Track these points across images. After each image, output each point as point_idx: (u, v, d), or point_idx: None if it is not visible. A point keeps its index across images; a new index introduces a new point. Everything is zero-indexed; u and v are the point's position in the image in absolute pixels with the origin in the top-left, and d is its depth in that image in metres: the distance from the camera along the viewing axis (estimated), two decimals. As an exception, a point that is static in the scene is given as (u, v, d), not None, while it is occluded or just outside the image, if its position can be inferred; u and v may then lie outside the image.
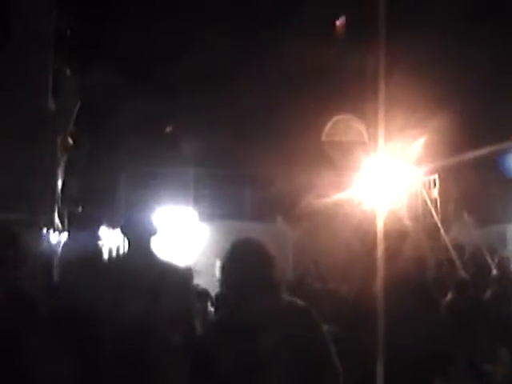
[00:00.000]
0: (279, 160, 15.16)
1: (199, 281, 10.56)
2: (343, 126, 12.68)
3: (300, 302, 3.72)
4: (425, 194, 14.97)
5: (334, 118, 12.61)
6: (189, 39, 14.42)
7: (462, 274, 8.99)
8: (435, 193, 15.29)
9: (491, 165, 14.92)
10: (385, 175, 11.87)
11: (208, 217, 16.94)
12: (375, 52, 5.18)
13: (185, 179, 16.96)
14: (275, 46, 13.58)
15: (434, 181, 15.51)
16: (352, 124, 12.77)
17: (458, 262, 9.69)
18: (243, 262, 3.61)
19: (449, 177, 15.92)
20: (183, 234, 16.62)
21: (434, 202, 15.14)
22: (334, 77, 13.01)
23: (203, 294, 11.61)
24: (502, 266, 8.64)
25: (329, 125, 12.83)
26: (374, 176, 12.16)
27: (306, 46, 12.88)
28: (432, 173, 15.43)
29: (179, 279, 4.75)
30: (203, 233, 16.90)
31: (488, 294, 8.19)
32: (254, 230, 12.95)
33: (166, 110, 15.52)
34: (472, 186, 15.50)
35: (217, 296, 10.75)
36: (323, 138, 12.88)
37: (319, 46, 12.97)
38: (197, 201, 17.10)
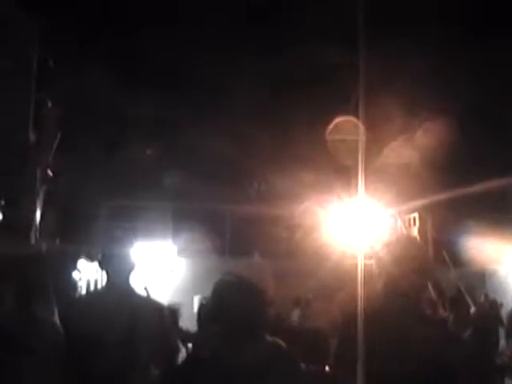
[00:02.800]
0: (260, 196, 15.17)
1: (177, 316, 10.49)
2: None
3: (282, 344, 3.67)
4: (405, 231, 15.02)
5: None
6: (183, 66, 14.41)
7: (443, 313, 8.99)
8: (415, 231, 15.35)
9: (469, 204, 15.01)
10: (365, 213, 11.85)
11: (186, 252, 16.87)
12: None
13: (164, 214, 16.90)
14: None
15: (414, 219, 15.58)
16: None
17: (438, 302, 9.68)
18: (232, 300, 3.54)
19: (427, 216, 15.99)
20: (161, 268, 16.53)
21: (415, 240, 15.16)
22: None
23: (180, 330, 11.49)
24: (484, 306, 8.67)
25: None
26: (353, 215, 12.19)
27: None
28: (411, 211, 15.50)
29: (157, 313, 4.71)
30: (181, 268, 16.81)
31: (468, 333, 8.18)
32: (233, 264, 12.90)
33: (146, 144, 15.49)
34: (449, 226, 15.57)
35: (197, 332, 10.64)
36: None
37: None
38: (175, 235, 17.03)
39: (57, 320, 4.32)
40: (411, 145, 13.67)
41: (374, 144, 13.32)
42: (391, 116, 12.62)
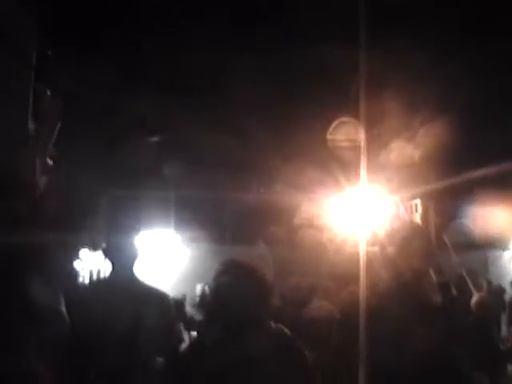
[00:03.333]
0: (262, 183, 15.16)
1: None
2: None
3: (286, 332, 3.66)
4: (407, 218, 15.00)
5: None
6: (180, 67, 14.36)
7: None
8: (417, 217, 15.34)
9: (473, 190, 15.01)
10: (367, 200, 11.87)
11: (189, 240, 16.88)
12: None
13: (166, 202, 16.91)
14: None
15: (416, 205, 15.56)
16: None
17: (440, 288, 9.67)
18: (235, 286, 3.53)
19: (429, 202, 15.99)
20: (164, 257, 16.55)
21: (417, 225, 15.17)
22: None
23: (184, 318, 11.52)
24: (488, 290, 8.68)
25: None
26: (355, 201, 12.18)
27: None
28: (413, 197, 15.48)
29: (162, 302, 4.72)
30: (184, 256, 16.83)
31: (470, 319, 8.18)
32: (235, 253, 12.89)
33: (149, 132, 15.45)
34: (452, 211, 15.58)
35: (200, 320, 10.67)
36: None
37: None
38: (178, 224, 17.05)
39: (63, 308, 4.32)
40: (413, 142, 13.66)
41: (376, 141, 13.33)
42: (392, 113, 12.59)
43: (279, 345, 3.59)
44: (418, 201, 15.50)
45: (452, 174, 13.79)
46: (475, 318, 8.08)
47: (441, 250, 14.96)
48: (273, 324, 3.67)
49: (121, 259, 4.69)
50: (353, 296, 5.02)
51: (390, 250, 5.17)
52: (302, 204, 14.70)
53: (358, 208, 11.95)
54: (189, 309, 12.56)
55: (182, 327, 10.84)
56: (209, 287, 3.72)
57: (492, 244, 16.23)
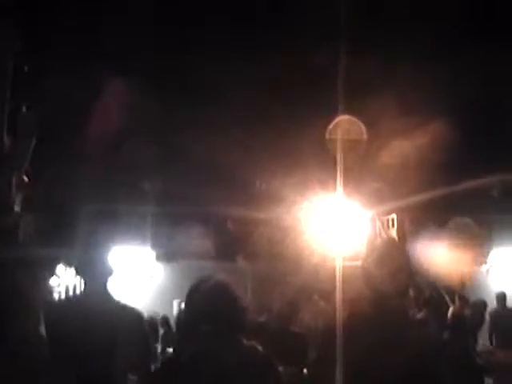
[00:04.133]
0: (241, 199, 15.13)
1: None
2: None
3: (259, 348, 3.65)
4: (383, 233, 15.04)
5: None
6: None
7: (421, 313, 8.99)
8: (393, 233, 15.38)
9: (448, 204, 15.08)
10: (343, 216, 11.92)
11: (166, 256, 16.82)
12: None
13: (143, 218, 16.84)
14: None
15: (392, 220, 15.60)
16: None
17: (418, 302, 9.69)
18: (208, 303, 3.52)
19: (405, 217, 16.04)
20: (140, 274, 16.48)
21: (393, 240, 15.18)
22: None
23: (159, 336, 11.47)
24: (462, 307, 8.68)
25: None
26: (332, 216, 12.21)
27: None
28: (389, 212, 15.52)
29: (135, 320, 4.67)
30: (160, 273, 16.76)
31: (446, 334, 8.18)
32: (212, 269, 12.86)
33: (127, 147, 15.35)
34: (428, 226, 15.61)
35: (175, 336, 10.62)
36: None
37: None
38: (154, 240, 16.97)
39: (42, 329, 4.27)
40: (402, 147, 13.70)
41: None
42: (385, 117, 12.63)
43: (253, 362, 3.57)
44: (393, 215, 15.55)
45: (428, 188, 13.86)
46: (451, 332, 8.10)
47: (418, 265, 15.02)
48: (245, 341, 3.65)
49: (94, 275, 4.64)
50: (331, 311, 5.00)
51: (368, 265, 5.16)
52: (281, 217, 14.70)
53: (335, 222, 11.98)
54: (165, 326, 12.52)
55: (157, 344, 10.80)
56: (184, 303, 3.70)
57: (468, 259, 16.29)
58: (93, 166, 14.48)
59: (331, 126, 13.04)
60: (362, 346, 4.37)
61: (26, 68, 11.61)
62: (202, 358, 3.51)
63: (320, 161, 12.66)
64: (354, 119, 13.04)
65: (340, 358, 4.47)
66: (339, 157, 10.45)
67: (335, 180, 6.91)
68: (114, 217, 15.43)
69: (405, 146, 13.62)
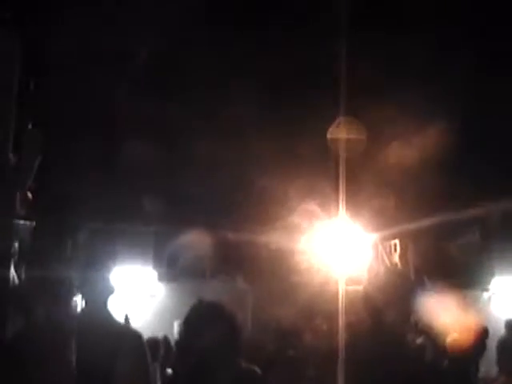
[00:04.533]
0: (243, 221, 15.11)
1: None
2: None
3: (257, 371, 3.63)
4: (386, 259, 15.01)
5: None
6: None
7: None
8: (396, 258, 15.35)
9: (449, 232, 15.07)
10: (345, 240, 11.90)
11: (167, 276, 16.79)
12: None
13: (145, 238, 16.82)
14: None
15: (395, 245, 15.57)
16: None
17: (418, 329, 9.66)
18: (205, 326, 3.52)
19: (408, 242, 16.00)
20: (141, 293, 16.44)
21: (396, 266, 15.19)
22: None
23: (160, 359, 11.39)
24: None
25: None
26: (334, 241, 12.18)
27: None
28: (392, 238, 15.50)
29: (136, 341, 4.64)
30: (162, 293, 16.72)
31: (446, 362, 8.14)
32: (213, 290, 12.83)
33: (127, 164, 15.33)
34: (430, 251, 15.58)
35: (175, 358, 10.55)
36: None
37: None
38: (156, 260, 16.95)
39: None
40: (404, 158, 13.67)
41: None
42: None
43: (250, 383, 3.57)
44: (396, 241, 15.53)
45: (431, 214, 13.84)
46: (451, 360, 8.06)
47: (420, 291, 14.99)
48: (244, 363, 3.64)
49: (94, 294, 4.62)
50: (331, 333, 4.99)
51: (371, 290, 5.15)
52: (284, 237, 14.68)
53: (338, 244, 11.96)
54: (165, 346, 12.46)
55: (157, 364, 10.73)
56: (182, 321, 3.70)
57: (471, 284, 16.25)
58: (96, 182, 14.49)
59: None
60: (361, 372, 4.36)
61: (32, 83, 11.64)
62: (199, 381, 3.50)
63: (322, 169, 12.68)
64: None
65: (339, 379, 4.46)
66: (341, 158, 10.50)
67: (338, 199, 6.91)
68: (115, 236, 15.43)
69: (406, 149, 13.60)
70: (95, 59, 13.19)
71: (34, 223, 12.24)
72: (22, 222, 11.43)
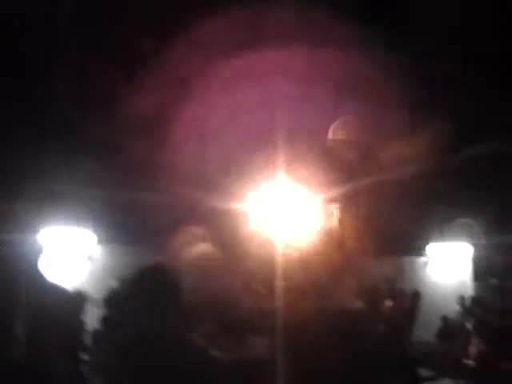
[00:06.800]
0: (182, 184, 14.99)
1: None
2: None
3: (196, 339, 3.66)
4: (325, 221, 15.06)
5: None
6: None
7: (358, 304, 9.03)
8: (335, 220, 15.41)
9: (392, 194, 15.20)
10: (285, 201, 11.90)
11: (105, 240, 16.70)
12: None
13: (83, 199, 16.63)
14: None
15: (334, 208, 15.63)
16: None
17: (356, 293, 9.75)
18: (150, 288, 3.55)
19: (348, 205, 16.09)
20: (79, 255, 16.35)
21: (335, 230, 15.26)
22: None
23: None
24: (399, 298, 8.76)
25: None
26: (273, 204, 12.19)
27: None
28: (331, 200, 15.56)
29: (70, 300, 4.63)
30: (100, 255, 16.65)
31: (383, 325, 8.23)
32: (152, 253, 12.77)
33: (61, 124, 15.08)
34: (371, 215, 15.70)
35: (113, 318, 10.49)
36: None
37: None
38: (94, 223, 16.82)
39: None
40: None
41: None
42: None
43: (189, 352, 3.59)
44: (336, 204, 15.58)
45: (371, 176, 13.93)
46: (387, 325, 8.15)
47: (359, 255, 15.12)
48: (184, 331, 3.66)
49: (22, 255, 4.57)
50: (270, 298, 4.98)
51: (309, 254, 5.14)
52: (224, 202, 14.63)
53: (277, 209, 11.94)
54: (104, 306, 12.40)
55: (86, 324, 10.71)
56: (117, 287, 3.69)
57: (408, 249, 16.50)
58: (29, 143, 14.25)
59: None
60: (300, 336, 4.35)
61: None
62: (142, 336, 3.53)
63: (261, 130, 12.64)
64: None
65: (278, 343, 4.45)
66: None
67: (278, 162, 6.87)
68: (52, 197, 15.21)
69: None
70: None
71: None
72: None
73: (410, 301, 11.48)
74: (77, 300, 5.06)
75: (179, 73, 13.63)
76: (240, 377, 5.44)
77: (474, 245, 17.54)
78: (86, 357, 4.93)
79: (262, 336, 4.81)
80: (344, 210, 16.25)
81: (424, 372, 9.31)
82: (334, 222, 15.86)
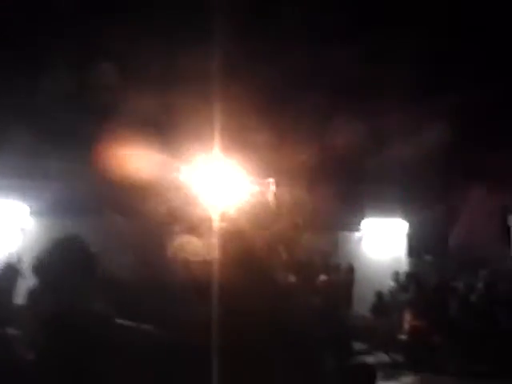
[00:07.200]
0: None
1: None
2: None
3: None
4: (260, 196, 15.06)
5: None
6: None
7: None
8: (271, 196, 15.43)
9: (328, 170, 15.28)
10: (222, 175, 11.84)
11: (37, 211, 16.46)
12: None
13: (17, 171, 16.35)
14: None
15: (270, 184, 15.64)
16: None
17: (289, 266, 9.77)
18: (62, 260, 3.50)
19: (283, 181, 16.12)
20: (11, 227, 16.12)
21: (271, 205, 15.27)
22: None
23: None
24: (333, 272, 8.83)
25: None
26: (208, 177, 12.13)
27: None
28: (268, 176, 15.56)
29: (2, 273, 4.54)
30: (32, 227, 16.41)
31: (317, 300, 8.28)
32: (83, 224, 12.60)
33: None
34: (306, 191, 15.78)
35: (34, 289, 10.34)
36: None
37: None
38: (28, 194, 16.56)
39: None
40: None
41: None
42: None
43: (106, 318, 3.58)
44: (272, 180, 15.59)
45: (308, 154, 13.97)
46: (322, 299, 8.20)
47: (293, 229, 15.17)
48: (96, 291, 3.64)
49: None
50: (205, 270, 4.94)
51: (244, 227, 5.11)
52: (156, 176, 14.51)
53: (213, 183, 11.87)
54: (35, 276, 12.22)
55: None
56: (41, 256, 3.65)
57: (343, 224, 16.62)
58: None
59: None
60: (233, 307, 4.33)
61: None
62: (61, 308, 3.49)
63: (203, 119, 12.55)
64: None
65: (213, 316, 4.43)
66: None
67: (214, 135, 6.81)
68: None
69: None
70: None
71: None
72: None
73: (345, 275, 11.58)
74: (9, 273, 4.95)
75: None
76: (174, 349, 5.39)
77: (409, 221, 17.74)
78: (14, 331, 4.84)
79: (196, 307, 4.76)
80: (280, 185, 16.31)
81: (358, 345, 9.40)
82: (269, 196, 15.89)
